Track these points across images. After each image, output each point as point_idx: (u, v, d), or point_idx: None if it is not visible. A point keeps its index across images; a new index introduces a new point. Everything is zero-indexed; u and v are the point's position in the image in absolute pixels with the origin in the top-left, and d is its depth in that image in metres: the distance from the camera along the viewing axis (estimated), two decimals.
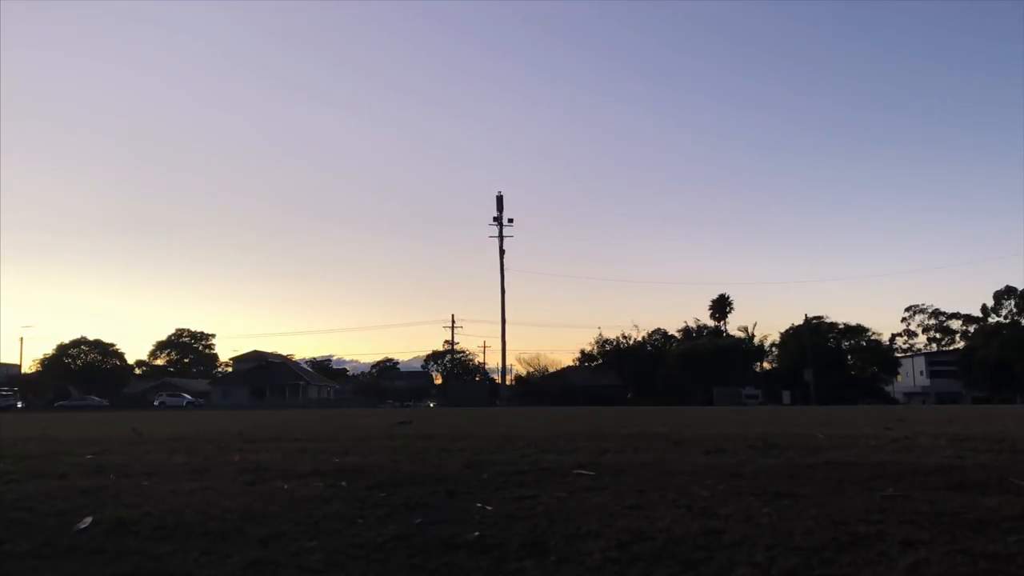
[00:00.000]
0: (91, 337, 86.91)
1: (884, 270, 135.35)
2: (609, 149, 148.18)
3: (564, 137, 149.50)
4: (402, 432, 11.64)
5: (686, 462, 6.26)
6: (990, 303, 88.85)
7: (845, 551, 2.93)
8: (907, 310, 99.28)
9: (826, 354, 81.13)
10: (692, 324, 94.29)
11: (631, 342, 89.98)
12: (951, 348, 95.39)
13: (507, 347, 66.70)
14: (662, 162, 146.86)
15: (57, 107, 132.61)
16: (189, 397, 74.21)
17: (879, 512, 3.72)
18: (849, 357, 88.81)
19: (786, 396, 73.80)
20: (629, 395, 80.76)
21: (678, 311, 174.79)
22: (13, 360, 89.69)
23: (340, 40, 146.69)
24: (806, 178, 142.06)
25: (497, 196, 66.90)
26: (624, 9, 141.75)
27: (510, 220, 66.82)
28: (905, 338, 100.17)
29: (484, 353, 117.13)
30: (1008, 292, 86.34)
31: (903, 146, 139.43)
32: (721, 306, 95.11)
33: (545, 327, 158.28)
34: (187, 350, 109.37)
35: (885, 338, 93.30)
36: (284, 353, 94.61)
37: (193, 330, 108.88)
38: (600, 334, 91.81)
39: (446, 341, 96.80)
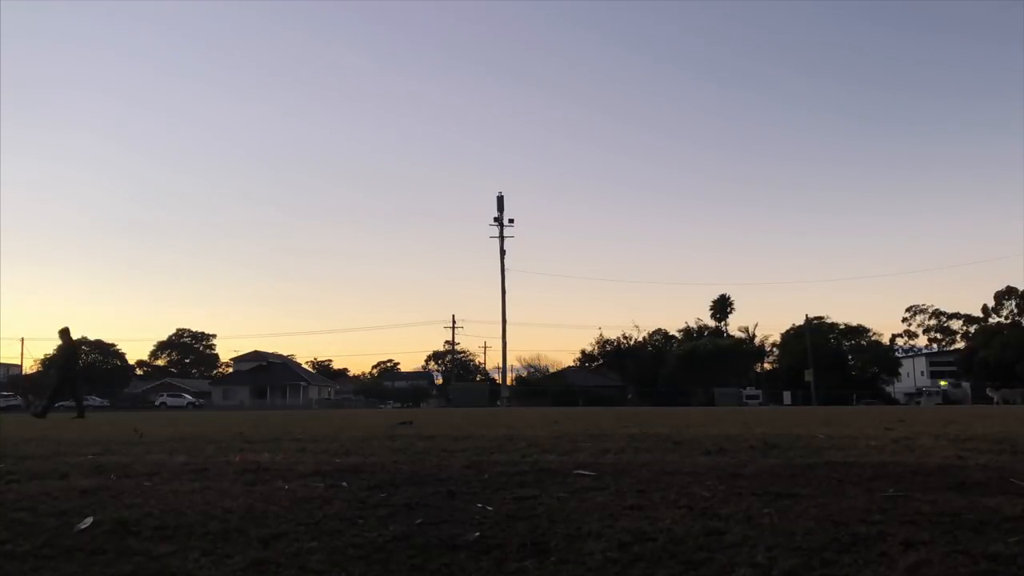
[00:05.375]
0: (92, 337, 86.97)
1: (884, 270, 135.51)
2: (609, 149, 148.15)
3: (564, 137, 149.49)
4: (403, 432, 11.63)
5: (687, 462, 6.25)
6: (991, 303, 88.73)
7: (846, 551, 2.93)
8: (908, 310, 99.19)
9: (827, 354, 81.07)
10: (693, 324, 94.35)
11: (631, 342, 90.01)
12: (952, 348, 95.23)
13: (507, 347, 66.44)
14: (662, 161, 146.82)
15: (57, 107, 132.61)
16: (190, 397, 74.20)
17: (880, 513, 3.72)
18: (850, 357, 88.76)
19: (787, 396, 73.72)
20: (629, 395, 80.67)
21: (678, 311, 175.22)
22: (14, 361, 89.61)
23: (340, 40, 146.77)
24: (806, 177, 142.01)
25: (497, 196, 66.87)
26: (622, 8, 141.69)
27: (510, 220, 66.75)
28: (906, 338, 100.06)
29: (485, 353, 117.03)
30: (1009, 292, 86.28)
31: (903, 146, 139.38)
32: (722, 306, 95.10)
33: (545, 327, 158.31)
34: (188, 350, 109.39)
35: (886, 338, 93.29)
36: (284, 353, 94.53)
37: (194, 330, 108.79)
38: (600, 334, 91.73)
39: (447, 341, 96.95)
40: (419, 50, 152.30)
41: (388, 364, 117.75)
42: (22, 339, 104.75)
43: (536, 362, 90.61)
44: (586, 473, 5.56)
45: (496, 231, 66.92)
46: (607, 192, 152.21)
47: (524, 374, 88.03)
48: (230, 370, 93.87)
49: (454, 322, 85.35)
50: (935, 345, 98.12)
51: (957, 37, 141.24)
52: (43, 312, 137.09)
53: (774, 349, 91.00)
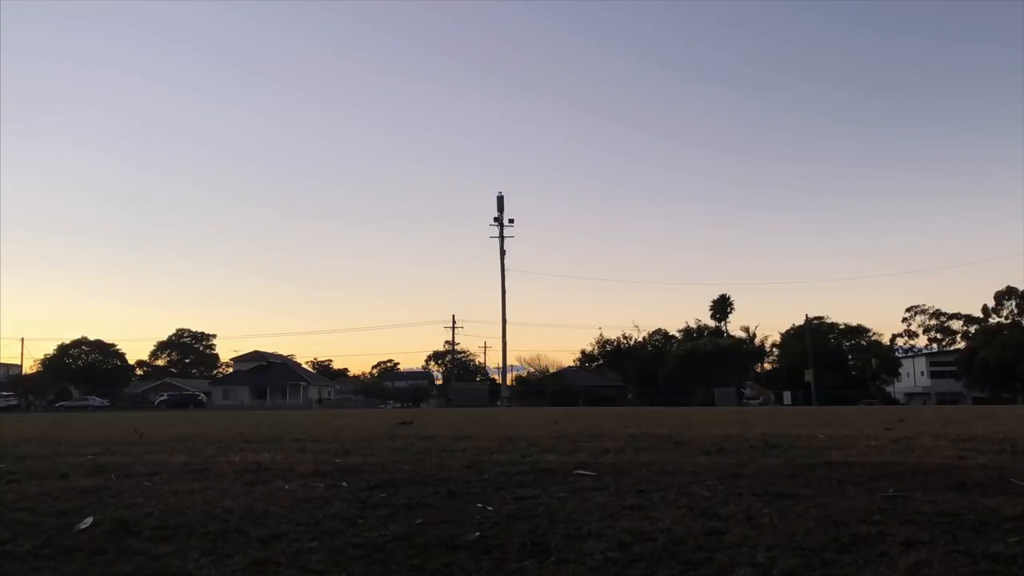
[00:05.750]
0: (92, 337, 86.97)
1: (884, 270, 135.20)
2: (609, 149, 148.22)
3: (564, 137, 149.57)
4: (403, 432, 11.64)
5: (687, 462, 6.26)
6: (991, 303, 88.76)
7: (846, 552, 2.93)
8: (908, 310, 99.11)
9: (827, 354, 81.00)
10: (693, 324, 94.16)
11: (631, 342, 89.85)
12: (952, 349, 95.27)
13: (507, 347, 66.46)
14: (662, 162, 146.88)
15: (57, 107, 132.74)
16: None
17: (880, 513, 3.72)
18: (850, 357, 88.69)
19: (787, 396, 73.69)
20: (629, 395, 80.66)
21: (678, 311, 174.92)
22: (14, 361, 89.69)
23: (339, 40, 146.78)
24: (806, 178, 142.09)
25: (498, 196, 66.72)
26: (623, 10, 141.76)
27: (510, 220, 66.62)
28: (906, 338, 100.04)
29: (485, 353, 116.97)
30: (1009, 292, 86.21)
31: (903, 146, 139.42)
32: (722, 306, 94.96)
33: (545, 327, 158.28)
34: (188, 350, 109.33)
35: (886, 338, 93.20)
36: (284, 353, 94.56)
37: (194, 330, 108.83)
38: (600, 334, 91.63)
39: (447, 342, 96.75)
40: (419, 52, 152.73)
41: (388, 364, 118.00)
42: (22, 339, 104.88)
43: (536, 362, 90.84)
44: (586, 473, 5.56)
45: (496, 231, 66.93)
46: (607, 192, 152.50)
47: (524, 374, 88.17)
48: (230, 370, 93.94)
49: (454, 322, 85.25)
50: (935, 345, 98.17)
51: (956, 39, 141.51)
52: (43, 312, 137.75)
53: (774, 349, 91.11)
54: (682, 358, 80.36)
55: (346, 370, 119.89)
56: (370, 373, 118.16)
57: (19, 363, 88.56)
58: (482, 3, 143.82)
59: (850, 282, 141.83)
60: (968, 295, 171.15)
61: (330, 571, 2.76)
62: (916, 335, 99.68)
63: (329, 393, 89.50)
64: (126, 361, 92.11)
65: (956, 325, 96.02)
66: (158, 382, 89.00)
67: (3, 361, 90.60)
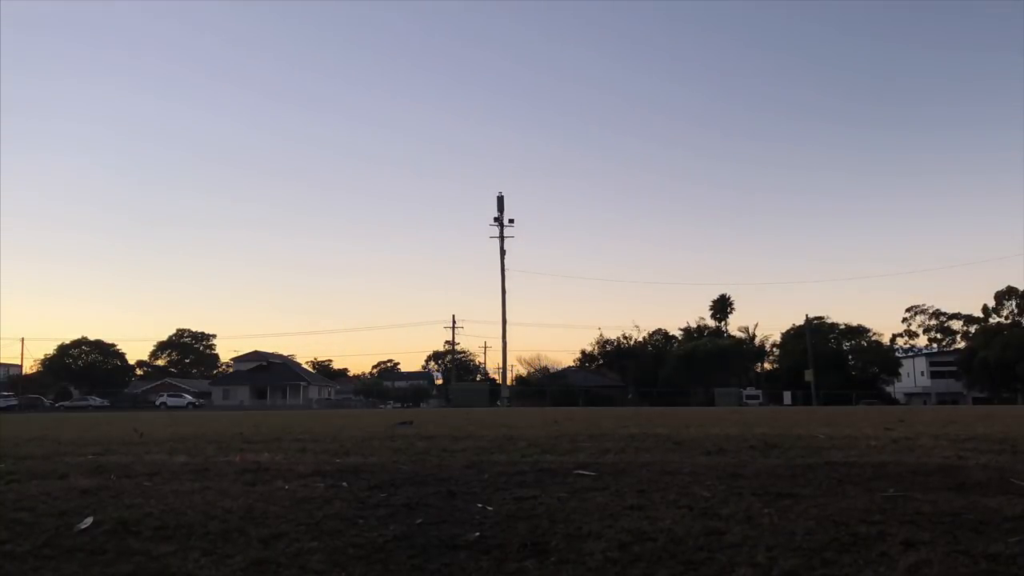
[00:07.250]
0: (92, 337, 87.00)
1: (884, 270, 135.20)
2: (609, 149, 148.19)
3: (565, 137, 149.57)
4: (403, 432, 11.64)
5: (687, 462, 6.26)
6: (991, 303, 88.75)
7: (846, 552, 2.93)
8: (908, 310, 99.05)
9: (827, 355, 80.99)
10: (693, 324, 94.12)
11: (632, 342, 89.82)
12: (952, 349, 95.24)
13: (508, 347, 66.46)
14: (662, 162, 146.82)
15: (57, 107, 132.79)
16: (190, 397, 74.24)
17: (880, 513, 3.72)
18: (850, 358, 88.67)
19: (787, 396, 73.67)
20: (630, 395, 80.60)
21: (678, 311, 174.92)
22: (14, 361, 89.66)
23: (339, 40, 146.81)
24: (806, 178, 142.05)
25: (498, 196, 66.75)
26: (625, 6, 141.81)
27: (510, 220, 66.66)
28: (906, 338, 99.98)
29: (485, 353, 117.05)
30: (1009, 292, 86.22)
31: (903, 145, 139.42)
32: (722, 306, 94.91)
33: (545, 327, 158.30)
34: (188, 350, 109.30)
35: (886, 338, 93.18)
36: (284, 353, 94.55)
37: (194, 330, 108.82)
38: (600, 334, 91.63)
39: (447, 342, 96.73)
40: (419, 52, 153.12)
41: (388, 364, 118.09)
42: (22, 339, 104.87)
43: (536, 362, 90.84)
44: (586, 473, 5.56)
45: (496, 231, 67.09)
46: (607, 192, 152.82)
47: (525, 373, 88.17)
48: (230, 370, 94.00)
49: (454, 322, 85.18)
50: (935, 345, 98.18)
51: (956, 39, 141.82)
52: (43, 312, 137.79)
53: (774, 349, 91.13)
54: (682, 358, 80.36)
55: (346, 370, 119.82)
56: (370, 373, 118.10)
57: (19, 363, 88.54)
58: (482, 4, 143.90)
59: (850, 282, 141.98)
60: (968, 295, 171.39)
61: (330, 571, 2.76)
62: (916, 335, 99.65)
63: (329, 393, 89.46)
64: (126, 361, 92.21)
65: (956, 325, 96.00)
66: (158, 382, 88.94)
67: (3, 361, 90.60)
